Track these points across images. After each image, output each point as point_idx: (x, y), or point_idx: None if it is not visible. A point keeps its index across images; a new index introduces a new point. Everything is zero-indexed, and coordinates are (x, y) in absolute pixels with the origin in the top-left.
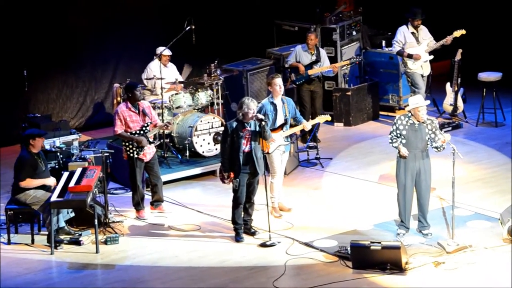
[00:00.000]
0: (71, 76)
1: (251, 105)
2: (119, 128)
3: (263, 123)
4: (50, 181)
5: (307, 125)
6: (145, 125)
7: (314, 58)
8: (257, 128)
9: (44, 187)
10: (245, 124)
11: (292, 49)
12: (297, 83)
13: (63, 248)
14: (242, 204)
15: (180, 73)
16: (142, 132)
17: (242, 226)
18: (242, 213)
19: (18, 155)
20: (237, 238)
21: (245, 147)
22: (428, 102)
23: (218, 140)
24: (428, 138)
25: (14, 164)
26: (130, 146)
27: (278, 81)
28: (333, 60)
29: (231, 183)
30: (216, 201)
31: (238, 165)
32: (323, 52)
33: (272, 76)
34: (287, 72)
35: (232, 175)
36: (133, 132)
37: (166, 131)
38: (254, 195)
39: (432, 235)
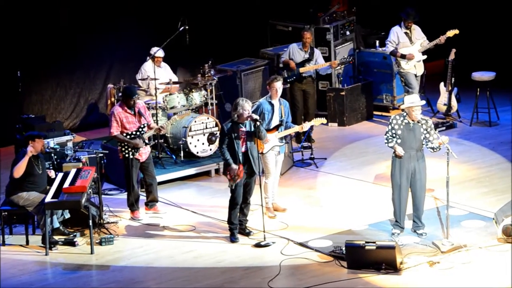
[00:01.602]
0: (65, 77)
1: (246, 106)
2: (115, 130)
3: (258, 123)
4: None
5: (305, 126)
6: (142, 126)
7: (306, 56)
8: (252, 128)
9: (37, 189)
10: (240, 124)
11: (285, 49)
12: (288, 80)
13: (57, 249)
14: (239, 205)
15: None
16: (139, 133)
17: (237, 226)
18: (238, 213)
19: (12, 156)
20: (232, 239)
21: (241, 147)
22: (424, 102)
23: (212, 141)
24: (423, 138)
25: (11, 164)
26: (126, 147)
27: (277, 84)
28: (327, 60)
29: (240, 175)
30: (210, 201)
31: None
32: (317, 52)
33: (272, 78)
34: (281, 72)
35: (241, 166)
36: (130, 132)
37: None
38: (251, 195)
39: (426, 234)
